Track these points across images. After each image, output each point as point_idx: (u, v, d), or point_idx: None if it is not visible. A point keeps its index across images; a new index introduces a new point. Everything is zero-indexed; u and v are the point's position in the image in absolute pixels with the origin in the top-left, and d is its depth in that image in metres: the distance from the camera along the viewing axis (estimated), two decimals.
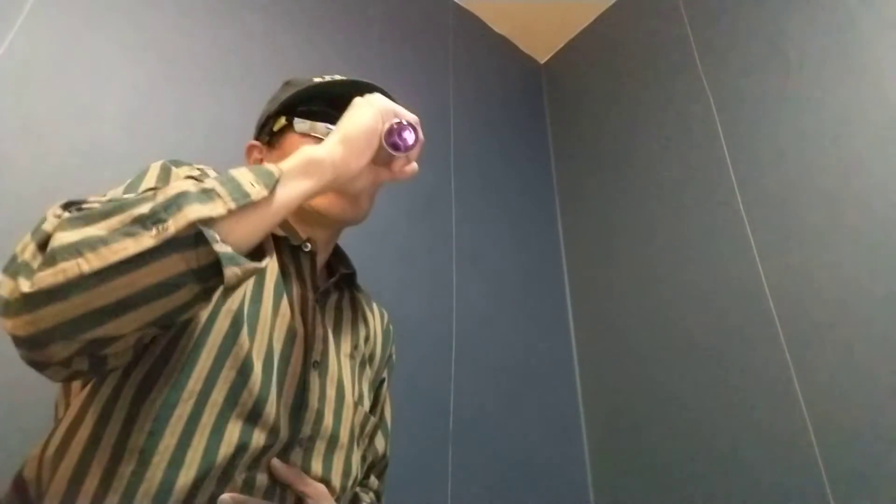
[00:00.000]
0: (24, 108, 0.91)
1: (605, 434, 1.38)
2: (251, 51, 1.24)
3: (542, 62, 2.04)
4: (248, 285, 0.60)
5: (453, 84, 1.66)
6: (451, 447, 1.16)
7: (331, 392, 0.63)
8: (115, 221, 0.42)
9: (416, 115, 0.59)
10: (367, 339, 0.75)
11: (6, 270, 0.43)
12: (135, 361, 0.52)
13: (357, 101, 0.57)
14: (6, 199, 0.84)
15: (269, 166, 0.49)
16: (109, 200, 0.46)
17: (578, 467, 1.36)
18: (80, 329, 0.42)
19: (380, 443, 0.77)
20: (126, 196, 0.46)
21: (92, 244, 0.41)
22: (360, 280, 0.81)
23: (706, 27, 1.49)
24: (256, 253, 0.48)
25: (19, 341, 0.44)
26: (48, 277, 0.40)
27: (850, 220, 1.07)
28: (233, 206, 0.44)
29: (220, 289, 0.44)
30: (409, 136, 0.55)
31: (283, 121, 0.69)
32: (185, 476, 0.50)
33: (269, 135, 0.71)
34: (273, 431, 0.56)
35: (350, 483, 0.64)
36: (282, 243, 0.66)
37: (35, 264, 0.41)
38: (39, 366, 0.46)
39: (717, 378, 1.19)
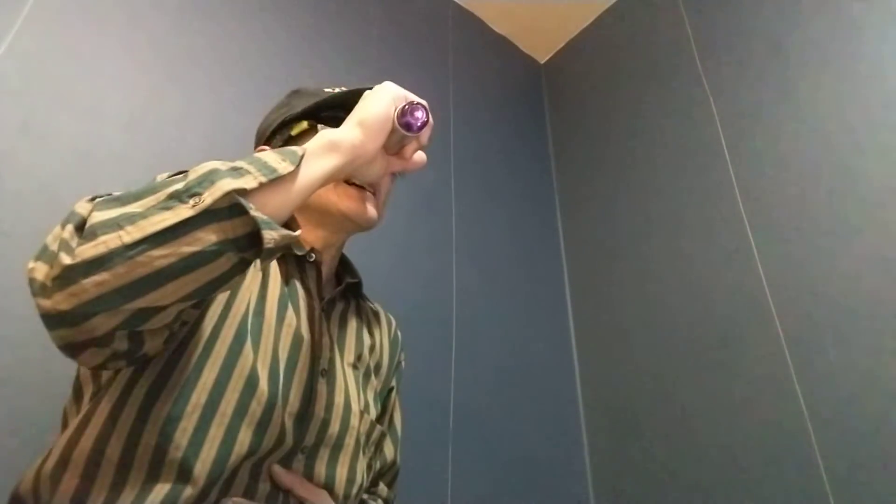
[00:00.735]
0: (24, 108, 0.91)
1: (605, 434, 1.38)
2: (251, 51, 1.24)
3: (542, 62, 2.04)
4: (252, 297, 0.60)
5: (453, 84, 1.66)
6: (451, 447, 1.16)
7: (339, 399, 0.64)
8: (150, 200, 0.44)
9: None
10: (371, 349, 0.75)
11: (39, 258, 0.44)
12: (138, 374, 0.53)
13: (368, 91, 0.59)
14: (6, 199, 0.84)
15: (293, 147, 0.51)
16: (139, 187, 0.47)
17: (578, 467, 1.36)
18: (124, 298, 0.42)
19: (389, 450, 0.77)
20: (155, 181, 0.48)
21: (131, 218, 0.42)
22: (362, 280, 0.81)
23: (706, 27, 1.49)
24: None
25: (60, 318, 0.43)
26: (89, 249, 0.41)
27: (851, 219, 1.07)
28: (263, 179, 0.46)
29: (258, 259, 0.45)
30: (420, 115, 0.57)
31: (304, 125, 0.70)
32: (193, 488, 0.50)
33: (286, 141, 0.71)
34: (279, 439, 0.56)
35: (355, 491, 0.64)
36: (286, 254, 0.67)
37: (74, 242, 0.42)
38: (77, 348, 0.46)
39: (717, 378, 1.19)
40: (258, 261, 0.47)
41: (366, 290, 0.81)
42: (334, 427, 0.62)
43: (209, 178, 0.44)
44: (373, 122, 0.55)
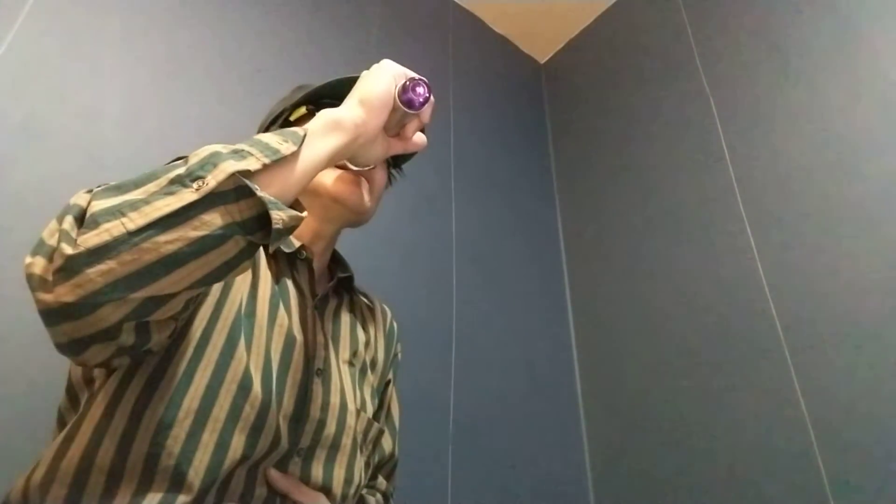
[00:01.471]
0: (24, 107, 0.91)
1: (605, 435, 1.37)
2: (252, 51, 1.24)
3: (542, 62, 2.04)
4: (243, 298, 0.59)
5: (453, 84, 1.66)
6: (451, 447, 1.16)
7: (334, 399, 0.63)
8: (151, 186, 0.42)
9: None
10: (367, 344, 0.74)
11: (35, 252, 0.42)
12: (128, 381, 0.51)
13: (367, 71, 0.59)
14: (6, 197, 0.84)
15: (294, 128, 0.50)
16: (138, 175, 0.46)
17: (578, 468, 1.36)
18: (132, 287, 0.41)
19: (387, 443, 0.76)
20: (154, 169, 0.47)
21: (133, 205, 0.41)
22: (362, 280, 0.80)
23: (706, 27, 1.49)
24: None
25: (64, 312, 0.41)
26: (93, 238, 0.40)
27: (852, 219, 1.07)
28: (266, 160, 0.44)
29: (266, 242, 0.44)
30: (421, 91, 0.57)
31: (303, 110, 0.69)
32: (186, 496, 0.49)
33: (283, 125, 0.70)
34: (274, 441, 0.55)
35: (352, 491, 0.64)
36: (277, 252, 0.66)
37: (75, 232, 0.41)
38: (82, 343, 0.45)
39: (718, 381, 1.19)
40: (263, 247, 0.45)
41: (366, 291, 0.81)
42: (330, 427, 0.61)
43: (211, 161, 0.43)
44: (374, 98, 0.54)
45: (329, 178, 0.66)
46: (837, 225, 1.09)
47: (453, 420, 1.19)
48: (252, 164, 0.44)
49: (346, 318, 0.73)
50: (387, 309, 0.84)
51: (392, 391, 0.81)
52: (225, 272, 0.45)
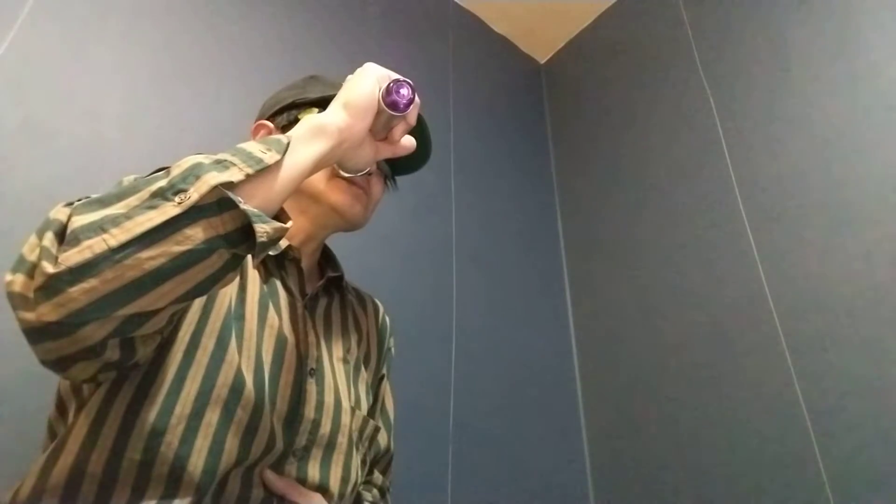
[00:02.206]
0: (24, 108, 0.91)
1: (606, 435, 1.37)
2: (252, 51, 1.24)
3: (542, 62, 2.04)
4: (231, 300, 0.58)
5: (453, 84, 1.66)
6: (451, 447, 1.16)
7: (329, 398, 0.63)
8: (133, 200, 0.42)
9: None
10: (359, 341, 0.74)
11: (16, 269, 0.41)
12: (117, 389, 0.51)
13: (351, 75, 0.58)
14: (6, 199, 0.84)
15: (277, 136, 0.49)
16: (119, 187, 0.45)
17: (578, 468, 1.36)
18: (116, 305, 0.40)
19: (382, 438, 0.76)
20: (125, 183, 0.46)
21: (115, 220, 0.40)
22: (362, 280, 0.80)
23: (706, 27, 1.49)
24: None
25: (47, 331, 0.41)
26: (74, 255, 0.39)
27: (852, 218, 1.07)
28: (249, 171, 0.44)
29: (250, 254, 0.44)
30: (405, 92, 0.56)
31: (315, 111, 0.68)
32: (182, 500, 0.49)
33: (291, 121, 0.69)
34: (269, 443, 0.55)
35: (349, 489, 0.64)
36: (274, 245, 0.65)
37: (55, 249, 0.40)
38: (66, 361, 0.44)
39: (718, 380, 1.19)
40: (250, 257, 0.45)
41: (357, 287, 0.81)
42: (326, 427, 0.61)
43: (193, 173, 0.42)
44: (357, 102, 0.54)
45: (331, 188, 0.66)
46: (837, 224, 1.08)
47: (453, 420, 1.19)
48: (235, 175, 0.43)
49: (337, 315, 0.73)
50: (378, 303, 0.83)
51: (386, 385, 0.81)
52: (210, 285, 0.44)
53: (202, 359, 0.53)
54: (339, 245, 0.79)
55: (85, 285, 0.39)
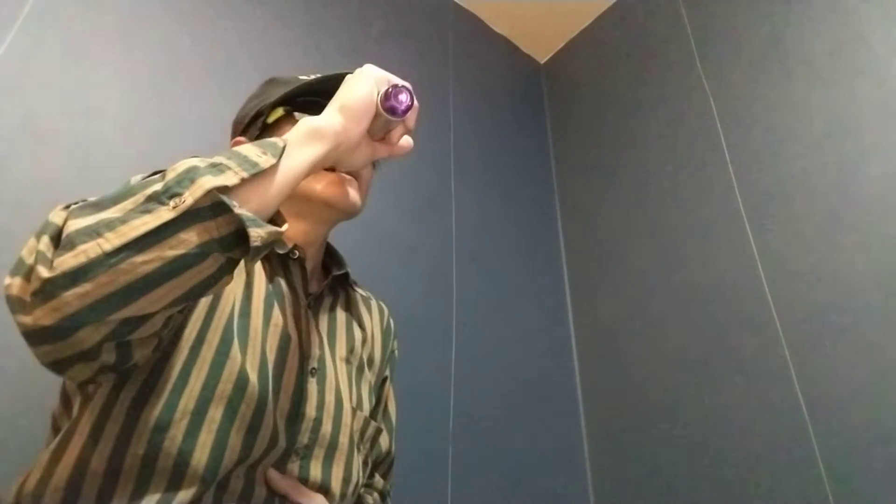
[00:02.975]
0: (24, 108, 0.91)
1: (605, 434, 1.37)
2: (252, 50, 1.24)
3: (542, 62, 2.04)
4: (237, 298, 0.59)
5: (453, 84, 1.66)
6: (451, 447, 1.16)
7: (329, 399, 0.63)
8: (128, 203, 0.42)
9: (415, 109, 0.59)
10: (363, 341, 0.74)
11: (14, 272, 0.42)
12: (122, 383, 0.51)
13: (350, 76, 0.58)
14: (6, 199, 0.84)
15: (273, 139, 0.49)
16: (116, 190, 0.45)
17: (578, 468, 1.36)
18: (110, 309, 0.41)
19: (384, 440, 0.76)
20: (132, 182, 0.46)
21: (110, 224, 0.40)
22: (362, 280, 0.80)
23: (706, 27, 1.49)
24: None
25: (43, 334, 0.41)
26: (69, 260, 0.39)
27: (852, 219, 1.07)
28: (245, 174, 0.43)
29: (245, 258, 0.44)
30: (404, 98, 0.55)
31: (280, 111, 0.68)
32: (185, 495, 0.49)
33: (261, 129, 0.69)
34: (272, 441, 0.55)
35: (351, 490, 0.64)
36: (270, 253, 0.65)
37: (51, 253, 0.40)
38: (63, 363, 0.45)
39: (717, 380, 1.19)
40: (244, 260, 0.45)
41: (363, 287, 0.81)
42: (327, 426, 0.61)
43: (188, 177, 0.42)
44: (354, 106, 0.54)
45: (318, 183, 0.65)
46: (838, 225, 1.08)
47: (453, 419, 1.19)
48: (230, 179, 0.43)
49: (342, 315, 0.73)
50: (384, 306, 0.83)
51: (389, 388, 0.81)
52: (204, 289, 0.44)
53: (207, 355, 0.54)
54: (339, 245, 0.79)
55: (79, 290, 0.39)
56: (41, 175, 0.88)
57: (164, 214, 0.40)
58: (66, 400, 0.56)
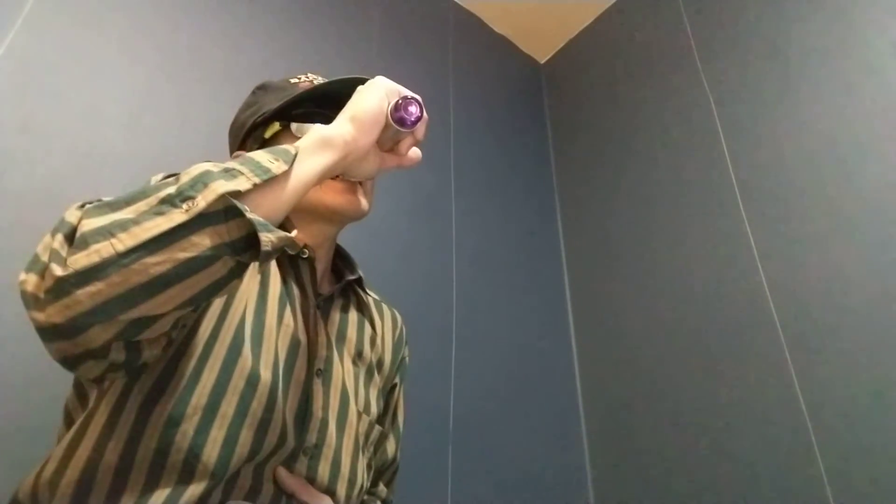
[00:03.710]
0: (24, 108, 0.91)
1: (605, 434, 1.38)
2: (252, 50, 1.24)
3: (542, 62, 2.04)
4: (251, 297, 0.60)
5: (453, 84, 1.66)
6: (451, 447, 1.16)
7: (334, 401, 0.63)
8: (142, 205, 0.43)
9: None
10: (373, 344, 0.74)
11: (29, 269, 0.43)
12: (136, 378, 0.52)
13: (361, 86, 0.59)
14: (6, 199, 0.84)
15: (285, 146, 0.50)
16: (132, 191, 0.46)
17: (578, 468, 1.36)
18: (120, 308, 0.42)
19: (390, 447, 0.76)
20: (146, 185, 0.47)
21: (123, 225, 0.41)
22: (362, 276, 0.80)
23: (706, 27, 1.49)
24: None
25: (55, 331, 0.42)
26: (82, 259, 0.40)
27: (852, 219, 1.07)
28: (257, 180, 0.44)
29: (254, 262, 0.44)
30: (414, 110, 0.57)
31: (276, 126, 0.69)
32: (195, 489, 0.50)
33: (260, 142, 0.70)
34: (281, 438, 0.56)
35: (356, 492, 0.64)
36: (281, 253, 0.65)
37: (65, 251, 0.41)
38: (74, 360, 0.46)
39: (717, 380, 1.19)
40: (255, 263, 0.46)
41: (376, 293, 0.81)
42: (332, 428, 0.62)
43: (202, 181, 0.43)
44: (365, 116, 0.54)
45: (325, 193, 0.66)
46: (838, 225, 1.09)
47: (453, 419, 1.19)
48: (242, 185, 0.43)
49: (353, 317, 0.73)
50: (398, 315, 0.84)
51: (399, 395, 0.81)
52: (213, 292, 0.45)
53: (220, 352, 0.55)
54: (340, 242, 0.79)
55: (91, 288, 0.40)
56: (41, 176, 0.88)
57: (177, 217, 0.41)
58: (81, 391, 0.57)
